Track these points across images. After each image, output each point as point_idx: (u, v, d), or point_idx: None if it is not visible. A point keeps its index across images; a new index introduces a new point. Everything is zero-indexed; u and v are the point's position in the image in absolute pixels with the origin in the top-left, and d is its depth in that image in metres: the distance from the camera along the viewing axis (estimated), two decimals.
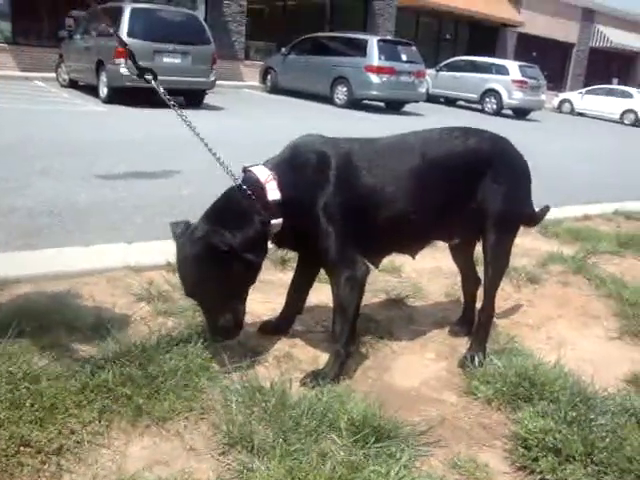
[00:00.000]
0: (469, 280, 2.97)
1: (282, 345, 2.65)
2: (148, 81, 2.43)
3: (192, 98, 12.51)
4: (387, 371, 2.56)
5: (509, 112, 19.73)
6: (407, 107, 16.81)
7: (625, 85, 27.96)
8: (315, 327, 2.87)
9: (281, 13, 21.72)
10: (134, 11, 11.61)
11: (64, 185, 5.31)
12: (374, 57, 15.50)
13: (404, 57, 16.12)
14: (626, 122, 23.47)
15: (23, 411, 1.90)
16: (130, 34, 11.27)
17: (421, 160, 2.45)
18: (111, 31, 2.64)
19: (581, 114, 25.14)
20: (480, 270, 2.83)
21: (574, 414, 2.11)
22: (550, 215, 3.13)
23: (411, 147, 2.51)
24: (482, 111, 19.54)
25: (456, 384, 2.50)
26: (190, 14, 13.21)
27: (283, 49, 17.98)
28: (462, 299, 3.06)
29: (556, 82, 30.20)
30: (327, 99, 16.15)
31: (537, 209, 2.90)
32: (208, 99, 13.03)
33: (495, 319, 2.84)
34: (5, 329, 2.30)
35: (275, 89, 17.92)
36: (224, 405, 2.10)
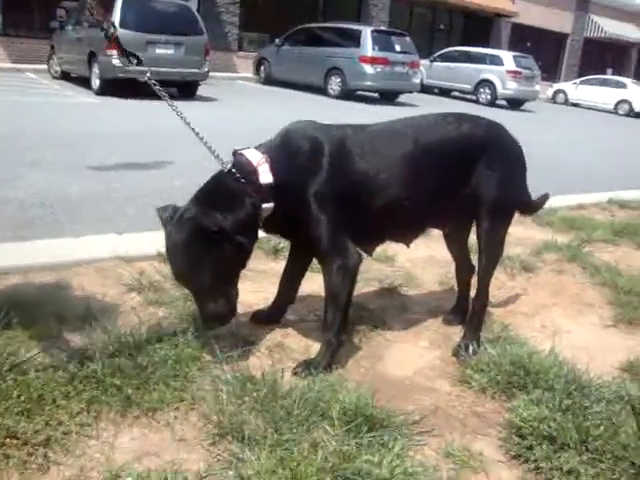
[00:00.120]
0: (463, 268, 2.95)
1: (274, 334, 2.62)
2: (131, 63, 2.40)
3: (185, 89, 12.44)
4: (380, 360, 2.54)
5: (503, 102, 19.68)
6: (401, 98, 16.76)
7: (619, 75, 27.97)
8: (308, 316, 2.85)
9: (274, 4, 21.55)
10: (126, 1, 11.50)
11: (55, 177, 5.27)
12: (368, 48, 15.44)
13: (398, 48, 16.08)
14: (620, 112, 23.47)
15: (9, 402, 1.87)
16: (122, 25, 11.15)
17: (414, 146, 2.43)
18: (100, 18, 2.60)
19: (575, 104, 25.12)
20: (474, 258, 2.80)
21: (569, 402, 2.10)
22: None
23: (405, 133, 2.48)
24: (476, 102, 19.49)
25: (450, 373, 2.47)
26: (183, 5, 13.09)
27: (277, 40, 17.89)
28: (456, 287, 3.03)
29: (550, 72, 30.16)
30: (321, 90, 16.08)
31: (535, 198, 2.88)
32: (201, 90, 12.96)
33: (489, 307, 2.82)
34: None
35: (269, 80, 17.84)
36: (215, 395, 2.07)
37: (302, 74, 16.61)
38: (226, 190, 2.22)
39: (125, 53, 2.39)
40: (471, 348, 2.55)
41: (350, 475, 1.70)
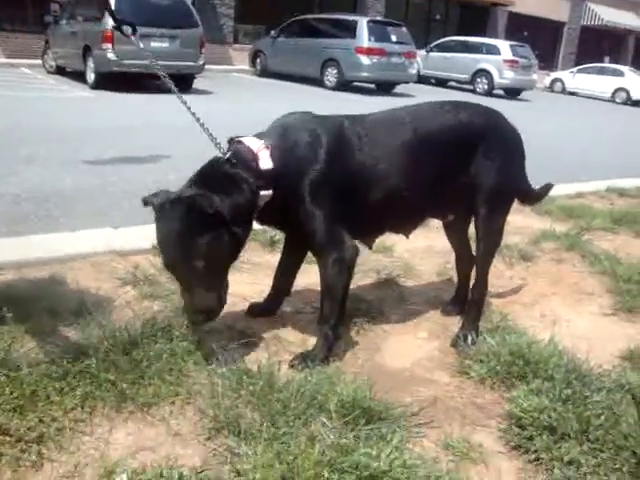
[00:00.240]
0: (463, 259, 2.91)
1: (270, 327, 2.60)
2: (125, 33, 2.37)
3: (181, 82, 12.30)
4: (378, 351, 2.51)
5: (500, 92, 19.62)
6: (398, 88, 16.72)
7: (617, 64, 27.88)
8: (304, 308, 2.82)
9: None
10: None
11: (50, 172, 5.23)
12: (364, 38, 15.39)
13: (394, 38, 16.03)
14: (617, 101, 23.42)
15: (2, 399, 1.85)
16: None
17: (414, 135, 2.39)
18: None
19: (572, 93, 25.07)
20: (473, 247, 2.78)
21: (569, 392, 2.07)
22: None
23: (403, 122, 2.44)
24: (473, 91, 19.41)
25: (449, 363, 2.45)
26: None
27: (272, 32, 17.82)
28: (455, 278, 3.01)
29: (547, 61, 30.04)
30: (317, 81, 16.02)
31: (537, 187, 2.86)
32: (197, 83, 12.89)
33: (488, 297, 2.79)
34: None
35: (265, 72, 17.77)
36: (210, 389, 2.04)
37: (298, 66, 16.54)
38: (224, 175, 2.14)
39: (116, 21, 2.34)
40: (470, 338, 2.53)
41: (348, 468, 1.68)
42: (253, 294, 2.84)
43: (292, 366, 2.27)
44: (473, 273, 2.77)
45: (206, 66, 13.28)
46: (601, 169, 7.48)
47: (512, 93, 19.71)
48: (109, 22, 10.62)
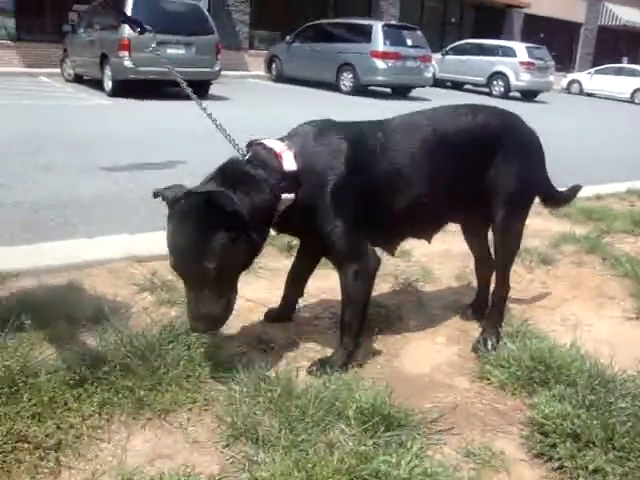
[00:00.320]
0: (483, 263, 2.87)
1: (288, 332, 2.58)
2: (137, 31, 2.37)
3: (197, 89, 12.11)
4: (397, 357, 2.49)
5: (517, 94, 19.48)
6: (414, 92, 16.66)
7: (635, 64, 27.58)
8: (322, 314, 2.80)
9: (285, 1, 21.51)
10: (137, 2, 11.51)
11: (68, 179, 5.27)
12: (379, 42, 15.36)
13: (409, 42, 15.98)
14: (637, 101, 23.13)
15: (21, 406, 1.85)
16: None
17: (434, 139, 2.36)
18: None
19: (590, 94, 24.83)
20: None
21: (593, 398, 2.03)
22: None
23: (423, 127, 2.40)
24: (490, 94, 19.31)
25: (469, 369, 2.42)
26: (193, 4, 13.08)
27: (287, 37, 17.86)
28: (474, 282, 2.97)
29: (564, 63, 29.81)
30: (333, 86, 16.02)
31: (564, 189, 2.83)
32: (213, 90, 12.95)
33: (508, 302, 2.75)
34: (4, 323, 2.24)
35: (280, 78, 17.82)
36: (228, 396, 2.03)
37: (314, 71, 16.57)
38: (246, 174, 2.08)
39: (128, 20, 2.35)
40: (490, 343, 2.49)
41: (367, 476, 1.65)
42: (271, 300, 2.83)
43: (310, 372, 2.25)
44: (493, 277, 2.74)
45: (222, 72, 13.33)
46: (623, 170, 7.38)
47: (529, 95, 19.57)
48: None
